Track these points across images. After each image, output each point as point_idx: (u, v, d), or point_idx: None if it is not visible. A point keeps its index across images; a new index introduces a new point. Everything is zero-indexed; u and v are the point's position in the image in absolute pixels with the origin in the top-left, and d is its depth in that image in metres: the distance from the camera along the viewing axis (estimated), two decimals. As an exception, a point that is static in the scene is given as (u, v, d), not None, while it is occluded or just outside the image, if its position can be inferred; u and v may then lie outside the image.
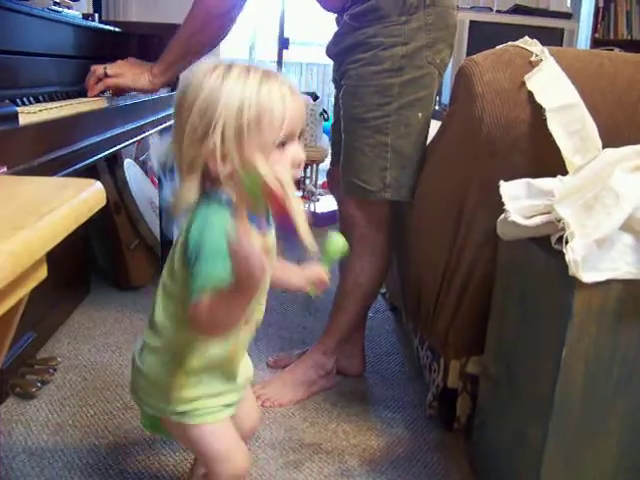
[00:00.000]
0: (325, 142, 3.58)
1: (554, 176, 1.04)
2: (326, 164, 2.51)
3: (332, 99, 1.61)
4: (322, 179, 3.51)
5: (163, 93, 1.90)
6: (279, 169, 0.77)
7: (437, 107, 2.39)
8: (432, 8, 1.35)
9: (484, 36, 2.82)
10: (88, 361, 1.69)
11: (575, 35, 3.25)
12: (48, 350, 1.72)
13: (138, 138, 1.70)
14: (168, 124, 1.98)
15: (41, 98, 1.21)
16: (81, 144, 1.24)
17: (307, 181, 3.69)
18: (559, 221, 0.94)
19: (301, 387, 1.57)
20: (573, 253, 0.89)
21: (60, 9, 1.57)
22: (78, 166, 1.21)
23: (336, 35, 1.47)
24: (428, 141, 1.43)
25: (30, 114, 1.05)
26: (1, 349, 0.66)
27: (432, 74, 1.39)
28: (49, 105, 1.16)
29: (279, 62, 3.44)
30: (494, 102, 1.15)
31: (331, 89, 1.59)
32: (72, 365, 1.66)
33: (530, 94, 1.13)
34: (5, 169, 0.90)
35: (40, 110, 1.10)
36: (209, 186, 0.83)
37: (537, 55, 1.17)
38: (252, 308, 0.89)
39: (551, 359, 0.98)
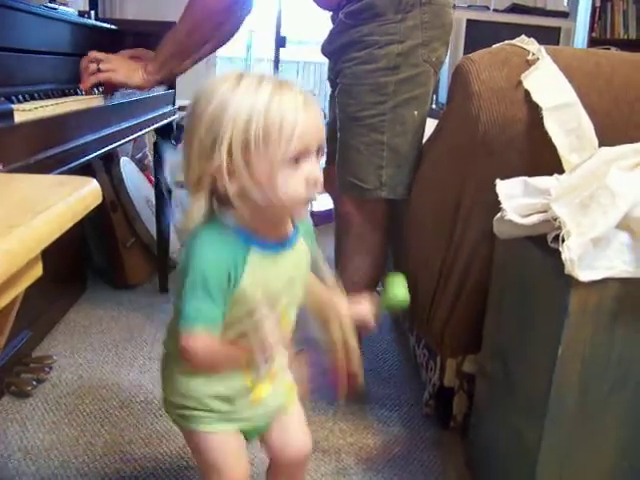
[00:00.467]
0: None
1: (550, 175, 1.05)
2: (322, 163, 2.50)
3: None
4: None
5: (159, 91, 1.90)
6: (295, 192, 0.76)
7: (434, 106, 2.38)
8: (428, 6, 1.35)
9: (481, 35, 2.81)
10: (84, 359, 1.68)
11: (572, 34, 3.25)
12: (44, 348, 1.72)
13: (134, 136, 1.70)
14: (164, 122, 1.97)
15: (37, 96, 1.20)
16: (77, 142, 1.23)
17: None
18: (555, 220, 0.94)
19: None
20: (569, 252, 0.89)
21: (56, 6, 1.56)
22: (74, 164, 1.21)
23: (331, 33, 1.46)
24: (424, 139, 1.43)
25: (26, 112, 1.05)
26: (-4, 347, 0.66)
27: (428, 72, 1.39)
28: (45, 103, 1.15)
29: (276, 61, 3.43)
30: (491, 101, 1.15)
31: (328, 88, 1.58)
32: (68, 363, 1.66)
33: (527, 93, 1.13)
34: (1, 167, 0.90)
35: (36, 108, 1.09)
36: (217, 206, 0.78)
37: (534, 54, 1.17)
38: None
39: (547, 357, 0.98)
